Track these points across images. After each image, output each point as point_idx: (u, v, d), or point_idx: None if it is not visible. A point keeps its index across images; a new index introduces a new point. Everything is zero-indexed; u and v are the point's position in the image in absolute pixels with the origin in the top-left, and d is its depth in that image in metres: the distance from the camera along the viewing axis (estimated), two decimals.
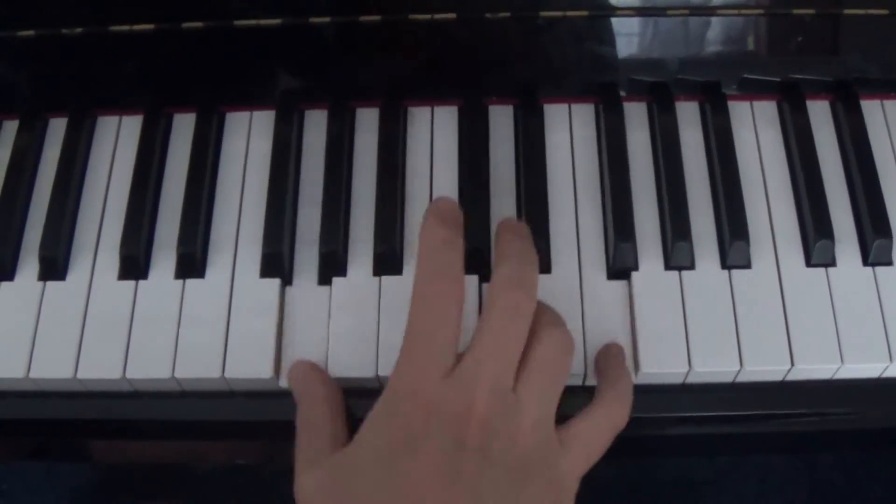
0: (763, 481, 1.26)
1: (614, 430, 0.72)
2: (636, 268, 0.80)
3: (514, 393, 0.67)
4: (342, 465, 0.67)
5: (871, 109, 0.88)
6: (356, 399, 0.76)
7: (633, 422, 0.76)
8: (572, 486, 0.69)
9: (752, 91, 0.88)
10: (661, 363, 0.77)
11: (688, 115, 0.87)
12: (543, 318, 0.70)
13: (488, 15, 0.85)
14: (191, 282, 0.81)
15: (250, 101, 0.89)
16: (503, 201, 0.84)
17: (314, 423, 0.72)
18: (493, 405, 0.65)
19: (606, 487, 1.13)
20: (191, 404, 0.81)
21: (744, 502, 1.27)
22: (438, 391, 0.66)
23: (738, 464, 1.27)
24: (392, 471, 0.64)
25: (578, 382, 0.78)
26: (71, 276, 0.82)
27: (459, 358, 0.68)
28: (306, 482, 0.68)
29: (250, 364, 0.77)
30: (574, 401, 0.72)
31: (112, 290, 0.82)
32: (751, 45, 0.88)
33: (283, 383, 0.78)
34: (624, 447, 0.78)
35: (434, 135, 0.87)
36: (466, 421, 0.65)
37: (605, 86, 0.88)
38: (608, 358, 0.77)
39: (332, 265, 0.80)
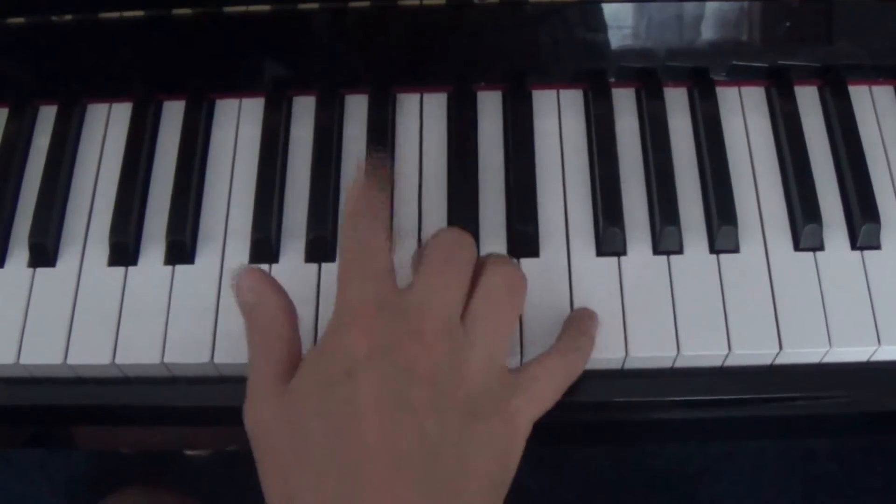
0: (757, 471, 1.26)
1: (569, 379, 0.71)
2: (624, 252, 0.80)
3: (463, 328, 0.66)
4: (291, 394, 0.65)
5: (860, 95, 0.88)
6: None
7: (622, 406, 0.76)
8: (525, 428, 0.67)
9: (741, 77, 0.89)
10: (650, 347, 0.77)
11: (676, 101, 0.88)
12: (489, 258, 0.70)
13: (477, 0, 0.85)
14: (180, 268, 0.82)
15: (240, 89, 0.89)
16: (492, 187, 0.83)
17: (272, 358, 0.68)
18: (442, 336, 0.64)
19: (601, 477, 1.13)
20: (181, 390, 0.81)
21: (738, 491, 1.27)
22: (382, 319, 0.64)
23: (732, 453, 1.27)
24: (335, 397, 0.62)
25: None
26: (61, 263, 0.83)
27: (400, 291, 0.67)
28: (259, 414, 0.66)
29: (240, 349, 0.77)
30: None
31: (102, 276, 0.82)
32: (739, 31, 0.88)
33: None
34: (614, 433, 0.78)
35: (423, 121, 0.87)
36: (414, 350, 0.63)
37: (593, 72, 0.88)
38: (574, 316, 0.77)
39: (320, 250, 0.81)
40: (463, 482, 0.63)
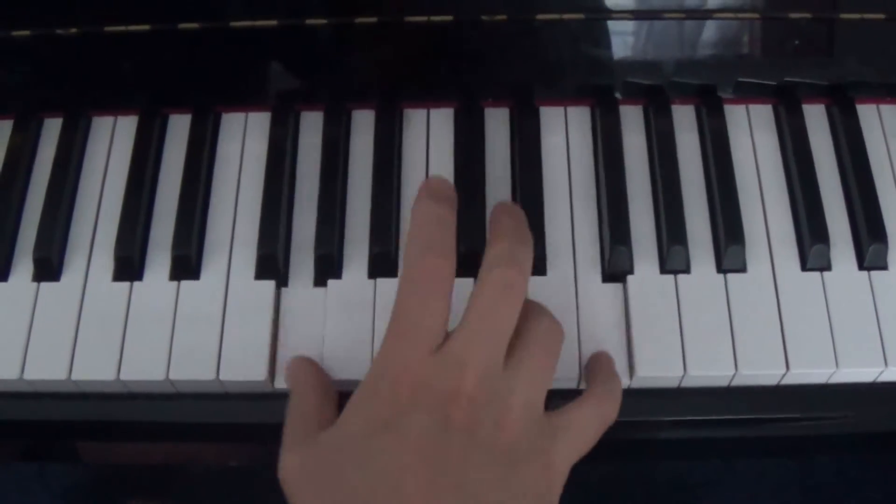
0: (758, 482, 1.26)
1: (605, 424, 0.71)
2: (631, 271, 0.80)
3: (504, 375, 0.66)
4: (325, 444, 0.65)
5: (867, 113, 0.88)
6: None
7: (628, 425, 0.76)
8: (563, 473, 0.67)
9: (748, 94, 0.88)
10: (657, 367, 0.77)
11: (684, 119, 0.87)
12: (532, 306, 0.70)
13: (485, 17, 0.85)
14: (186, 283, 0.81)
15: (246, 103, 0.89)
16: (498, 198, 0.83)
17: (304, 408, 0.71)
18: (482, 386, 0.64)
19: (600, 488, 1.13)
20: (185, 406, 0.80)
21: (738, 503, 1.27)
22: (425, 370, 0.64)
23: (732, 465, 1.27)
24: (373, 450, 0.62)
25: (573, 386, 0.78)
26: (65, 278, 0.82)
27: (447, 338, 0.66)
28: (290, 461, 0.66)
29: (245, 366, 0.77)
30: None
31: (107, 291, 0.81)
32: (747, 48, 0.88)
33: (280, 384, 0.78)
34: (619, 450, 0.78)
35: (430, 137, 0.87)
36: (454, 401, 0.63)
37: (601, 88, 0.88)
38: (599, 360, 0.77)
39: (328, 267, 0.80)
40: None
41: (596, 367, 0.76)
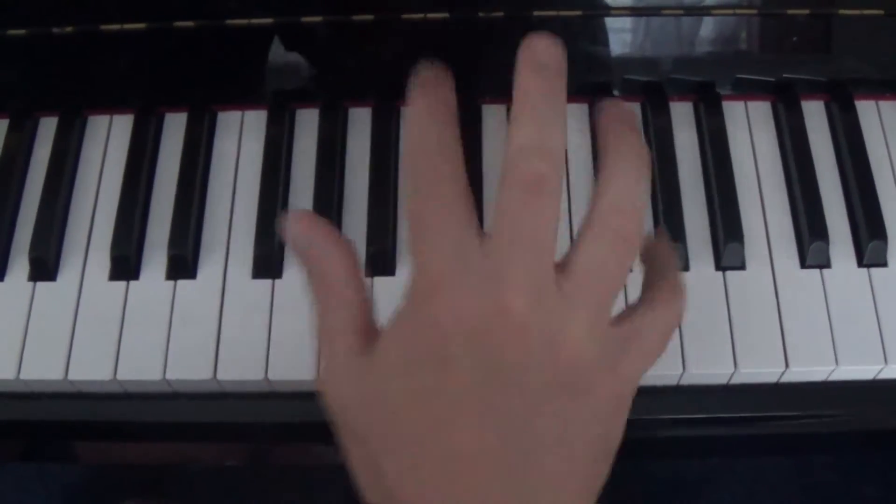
0: (756, 480, 1.26)
1: (675, 326, 0.61)
2: (630, 269, 0.79)
3: (559, 289, 0.54)
4: (373, 375, 0.56)
5: (866, 110, 0.88)
6: None
7: (627, 423, 0.76)
8: (632, 388, 0.58)
9: (747, 91, 0.88)
10: (656, 365, 0.76)
11: (682, 116, 0.87)
12: (604, 187, 0.57)
13: (481, 14, 0.84)
14: (182, 283, 0.81)
15: (242, 101, 0.89)
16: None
17: (340, 306, 0.58)
18: (529, 305, 0.53)
19: None
20: (182, 406, 0.80)
21: (736, 501, 1.26)
22: (460, 291, 0.54)
23: (731, 462, 1.26)
24: (422, 386, 0.54)
25: None
26: (61, 277, 0.82)
27: (483, 242, 0.55)
28: (341, 393, 0.58)
29: (242, 366, 0.77)
30: None
31: (103, 290, 0.81)
32: (745, 44, 0.88)
33: (273, 377, 0.77)
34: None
35: None
36: (503, 333, 0.53)
37: (598, 85, 0.88)
38: (658, 252, 0.65)
39: None
40: (567, 470, 0.55)
41: (654, 259, 0.65)
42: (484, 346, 0.54)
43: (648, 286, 0.62)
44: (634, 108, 0.88)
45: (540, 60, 0.57)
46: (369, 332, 0.58)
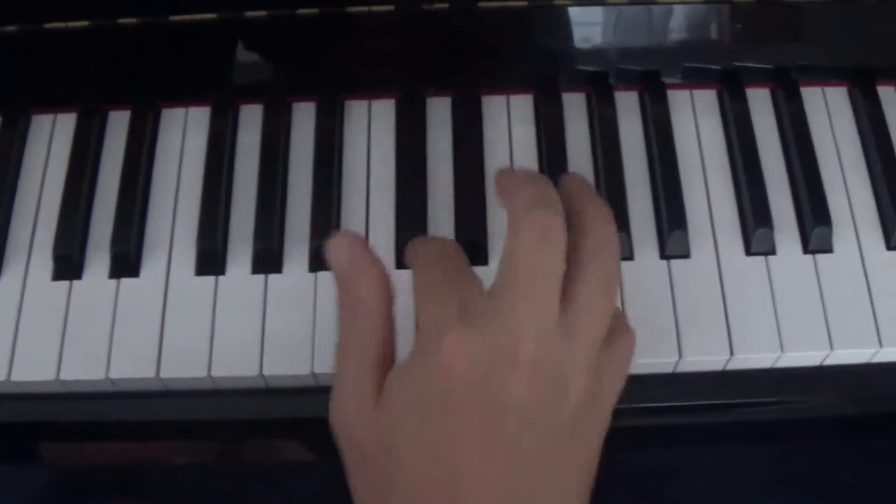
0: (726, 469, 1.26)
1: (631, 358, 0.65)
2: None
3: (562, 330, 0.58)
4: (384, 420, 0.58)
5: (813, 97, 0.88)
6: (290, 396, 0.75)
7: None
8: (612, 408, 0.62)
9: (693, 80, 0.88)
10: None
11: (627, 105, 0.87)
12: (587, 218, 0.63)
13: (425, 6, 0.84)
14: (125, 281, 0.80)
15: (186, 98, 0.88)
16: (441, 194, 0.82)
17: (366, 341, 0.61)
18: (537, 350, 0.57)
19: None
20: (127, 405, 0.80)
21: (707, 490, 1.26)
22: (473, 338, 0.56)
23: (700, 453, 1.26)
24: (430, 427, 0.56)
25: None
26: (4, 278, 0.82)
27: (489, 296, 0.59)
28: (353, 430, 0.60)
29: (185, 363, 0.76)
30: None
31: (46, 290, 0.81)
32: (692, 33, 0.88)
33: (216, 374, 0.77)
34: None
35: (371, 128, 0.86)
36: (511, 377, 0.56)
37: (543, 76, 0.87)
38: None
39: (267, 262, 0.80)
40: (561, 497, 0.59)
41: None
42: (493, 389, 0.56)
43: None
44: (580, 98, 0.88)
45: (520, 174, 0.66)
46: (386, 367, 0.61)
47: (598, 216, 0.63)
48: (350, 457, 0.60)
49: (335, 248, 0.62)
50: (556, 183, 0.65)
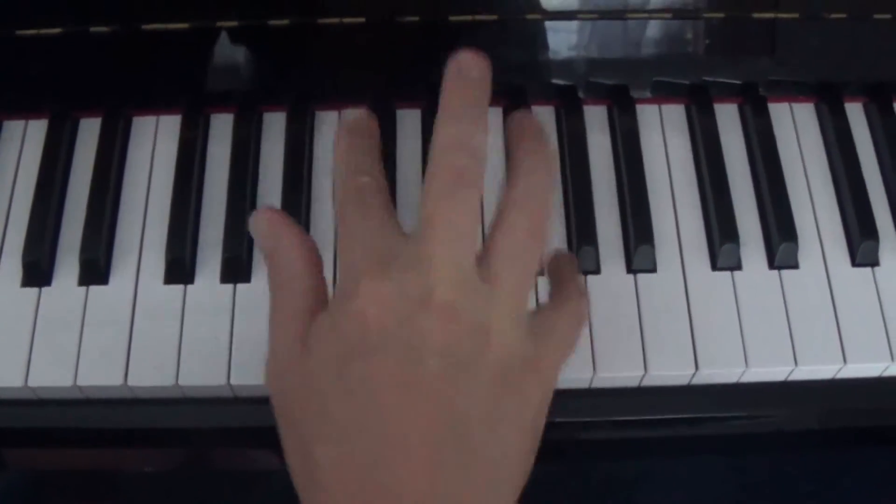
0: (692, 479, 1.27)
1: (581, 324, 0.66)
2: (542, 273, 0.80)
3: (482, 280, 0.58)
4: (307, 366, 0.59)
5: (780, 112, 0.88)
6: (259, 405, 0.75)
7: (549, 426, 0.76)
8: (555, 380, 0.62)
9: (661, 94, 0.88)
10: (568, 367, 0.76)
11: (596, 119, 0.87)
12: (517, 160, 0.63)
13: (396, 18, 0.84)
14: (94, 288, 0.81)
15: (157, 106, 0.88)
16: (409, 203, 0.83)
17: (289, 298, 0.62)
18: (456, 292, 0.57)
19: (533, 484, 1.13)
20: (95, 412, 0.80)
21: (673, 499, 1.27)
22: (389, 281, 0.57)
23: (667, 462, 1.27)
24: (350, 376, 0.56)
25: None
26: None
27: (405, 239, 0.60)
28: (280, 382, 0.61)
29: (153, 371, 0.77)
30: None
31: (15, 296, 0.81)
32: (661, 48, 0.88)
33: (184, 382, 0.77)
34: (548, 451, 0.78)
35: None
36: (425, 311, 0.56)
37: (513, 90, 0.87)
38: (560, 260, 0.71)
39: (236, 271, 0.80)
40: (500, 456, 0.58)
41: (558, 267, 0.70)
42: (410, 333, 0.56)
43: (555, 290, 0.67)
44: (549, 111, 0.89)
45: (464, 70, 0.62)
46: (318, 310, 0.61)
47: (532, 160, 0.63)
48: (280, 409, 0.61)
49: (255, 221, 0.65)
50: None
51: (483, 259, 0.59)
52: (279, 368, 0.61)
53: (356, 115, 0.67)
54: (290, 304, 0.62)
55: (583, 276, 0.75)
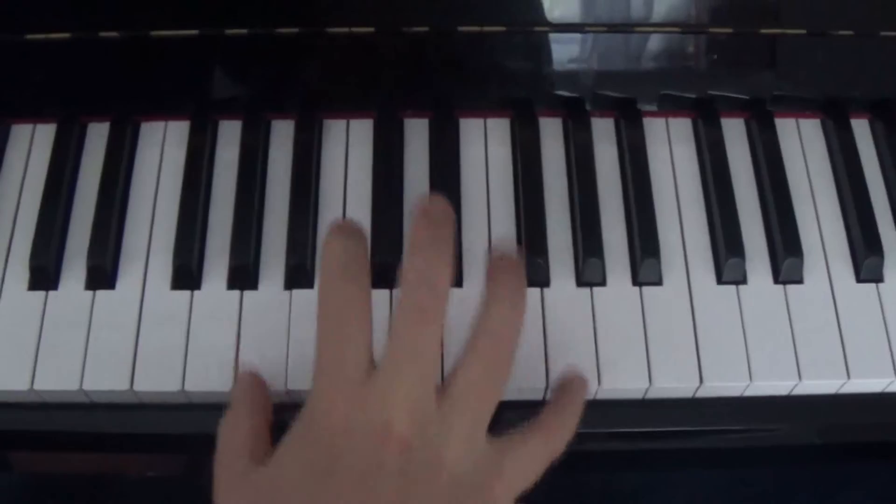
0: (691, 491, 1.27)
1: (551, 458, 0.68)
2: (547, 284, 0.80)
3: (439, 408, 0.63)
4: (262, 486, 0.64)
5: (786, 127, 0.89)
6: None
7: None
8: (514, 498, 0.65)
9: (668, 107, 0.89)
10: None
11: (603, 131, 0.87)
12: (482, 316, 0.65)
13: (405, 29, 0.84)
14: (101, 293, 0.81)
15: (165, 112, 0.88)
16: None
17: (240, 436, 0.68)
18: (411, 424, 0.61)
19: (532, 496, 1.13)
20: (101, 416, 0.80)
21: None
22: (352, 409, 0.62)
23: (667, 475, 1.27)
24: (311, 495, 0.61)
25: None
26: None
27: (372, 372, 0.64)
28: (226, 500, 0.65)
29: (159, 377, 0.77)
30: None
31: (22, 300, 0.81)
32: (668, 61, 0.88)
33: (189, 388, 0.77)
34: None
35: (349, 147, 0.87)
36: (384, 442, 0.61)
37: (520, 101, 0.88)
38: (566, 382, 0.74)
39: (243, 278, 0.80)
40: None
41: (561, 390, 0.73)
42: (368, 459, 0.61)
43: (543, 413, 0.69)
44: (556, 123, 0.89)
45: (430, 212, 0.65)
46: (260, 457, 0.66)
47: (500, 301, 0.66)
48: None
49: (238, 379, 0.76)
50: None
51: (445, 389, 0.64)
52: (227, 491, 0.66)
53: (348, 222, 0.69)
54: (239, 442, 0.69)
55: (576, 409, 0.72)
